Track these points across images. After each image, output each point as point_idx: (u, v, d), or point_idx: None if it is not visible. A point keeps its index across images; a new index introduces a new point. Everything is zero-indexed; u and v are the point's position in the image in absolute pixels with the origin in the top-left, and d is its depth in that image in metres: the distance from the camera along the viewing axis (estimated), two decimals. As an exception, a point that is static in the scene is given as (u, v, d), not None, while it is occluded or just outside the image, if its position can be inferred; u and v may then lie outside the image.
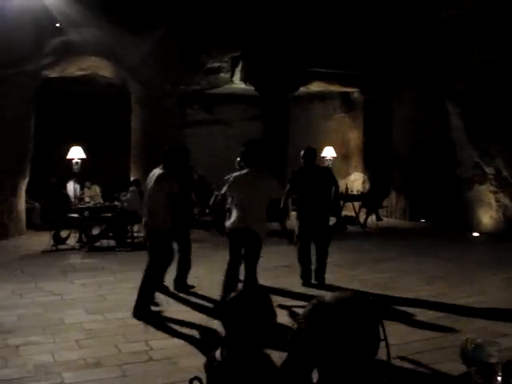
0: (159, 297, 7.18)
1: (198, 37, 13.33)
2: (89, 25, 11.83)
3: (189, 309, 6.99)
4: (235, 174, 6.94)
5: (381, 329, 1.79)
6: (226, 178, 6.90)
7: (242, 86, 15.06)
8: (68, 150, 13.06)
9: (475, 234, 12.89)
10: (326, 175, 8.14)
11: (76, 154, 12.91)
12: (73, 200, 13.20)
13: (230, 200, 6.98)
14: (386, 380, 1.87)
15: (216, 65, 14.44)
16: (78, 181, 14.09)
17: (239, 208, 6.65)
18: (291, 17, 13.54)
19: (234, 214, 6.69)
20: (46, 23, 11.53)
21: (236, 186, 6.72)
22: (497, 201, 12.94)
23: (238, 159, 7.75)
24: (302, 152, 7.98)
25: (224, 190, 6.83)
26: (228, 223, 6.79)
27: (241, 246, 6.74)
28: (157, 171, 6.93)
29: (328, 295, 1.78)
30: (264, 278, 7.35)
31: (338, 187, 8.17)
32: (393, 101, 16.07)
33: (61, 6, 11.32)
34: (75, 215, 11.94)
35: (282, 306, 6.47)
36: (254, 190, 6.62)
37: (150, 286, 6.77)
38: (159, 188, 6.71)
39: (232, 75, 14.80)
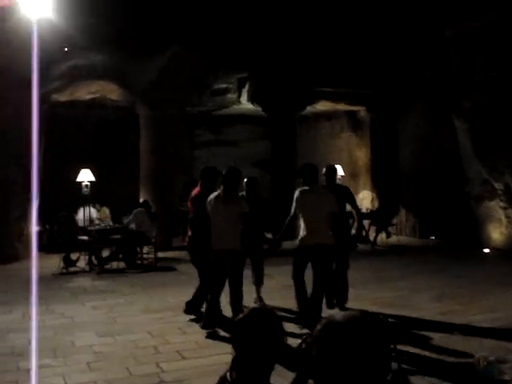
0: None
1: (206, 59, 13.45)
2: (96, 49, 11.95)
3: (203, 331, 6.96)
4: (299, 191, 7.11)
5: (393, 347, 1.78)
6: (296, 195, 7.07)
7: (249, 106, 15.15)
8: (78, 173, 13.12)
9: (486, 251, 12.82)
10: (346, 194, 8.00)
11: (85, 176, 12.98)
12: (86, 223, 13.24)
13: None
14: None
15: (223, 86, 14.56)
16: (93, 204, 14.15)
17: (308, 223, 6.85)
18: (297, 37, 13.64)
19: (304, 230, 6.87)
20: (54, 47, 11.65)
21: (304, 203, 6.93)
22: (507, 216, 12.89)
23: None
24: (324, 170, 7.92)
25: (293, 208, 7.04)
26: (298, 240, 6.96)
27: (308, 261, 6.85)
28: (219, 193, 6.87)
29: (338, 314, 1.78)
30: (272, 299, 7.34)
31: (358, 210, 8.29)
32: (399, 118, 16.11)
33: (69, 30, 11.45)
34: (85, 237, 11.96)
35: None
36: (318, 205, 6.82)
37: (238, 300, 6.73)
38: (230, 208, 6.73)
39: (239, 96, 14.91)
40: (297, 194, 7.09)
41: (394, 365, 1.80)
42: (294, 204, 7.07)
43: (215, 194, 6.90)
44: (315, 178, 7.04)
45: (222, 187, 6.83)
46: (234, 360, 2.38)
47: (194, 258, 7.38)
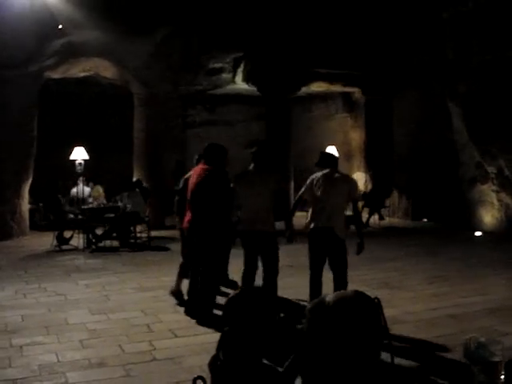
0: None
1: (200, 38, 13.37)
2: (91, 26, 11.86)
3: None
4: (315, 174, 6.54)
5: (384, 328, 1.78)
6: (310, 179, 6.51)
7: (244, 86, 15.08)
8: (71, 151, 13.08)
9: (477, 234, 12.88)
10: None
11: (79, 154, 12.93)
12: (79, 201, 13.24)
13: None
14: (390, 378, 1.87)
15: (218, 65, 14.47)
16: (86, 183, 14.12)
17: (319, 208, 6.31)
18: (293, 17, 13.56)
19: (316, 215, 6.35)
20: (48, 25, 11.56)
21: (318, 186, 6.37)
22: (499, 200, 12.94)
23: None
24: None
25: (302, 190, 6.56)
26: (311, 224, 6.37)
27: (323, 249, 6.33)
28: (251, 170, 6.49)
29: (330, 294, 1.78)
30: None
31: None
32: (394, 101, 16.09)
33: (63, 7, 11.35)
34: (72, 215, 11.95)
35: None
36: (334, 189, 6.27)
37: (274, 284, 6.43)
38: (265, 187, 6.38)
39: (234, 76, 14.83)
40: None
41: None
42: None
43: (245, 171, 6.57)
44: (333, 162, 6.52)
45: (252, 164, 6.46)
46: (222, 338, 2.38)
47: (200, 242, 6.55)
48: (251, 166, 6.48)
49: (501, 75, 12.17)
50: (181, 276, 7.34)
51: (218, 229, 6.45)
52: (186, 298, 7.05)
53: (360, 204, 13.39)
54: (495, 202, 13.02)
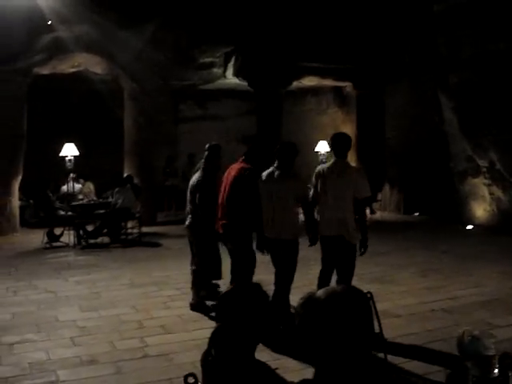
0: None
1: (190, 32, 13.29)
2: (80, 21, 11.77)
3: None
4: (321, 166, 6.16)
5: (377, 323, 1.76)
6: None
7: (235, 81, 15.02)
8: (61, 148, 12.98)
9: (469, 227, 12.90)
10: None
11: (69, 151, 12.83)
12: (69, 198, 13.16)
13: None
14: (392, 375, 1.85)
15: (208, 60, 14.39)
16: (77, 179, 14.02)
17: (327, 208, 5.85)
18: (283, 12, 13.50)
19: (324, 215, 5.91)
20: (37, 20, 11.46)
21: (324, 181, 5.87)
22: (490, 193, 12.95)
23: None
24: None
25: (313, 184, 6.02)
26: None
27: (333, 254, 5.89)
28: (272, 170, 6.04)
29: (321, 290, 1.75)
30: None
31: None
32: (386, 94, 16.06)
33: (52, 2, 11.25)
34: (63, 212, 11.88)
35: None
36: (339, 184, 5.78)
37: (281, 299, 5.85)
38: (287, 188, 5.90)
39: (225, 70, 14.76)
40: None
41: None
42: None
43: (268, 171, 6.07)
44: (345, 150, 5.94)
45: (276, 163, 6.00)
46: (213, 335, 2.35)
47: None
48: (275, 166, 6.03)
49: (492, 68, 12.16)
50: (196, 286, 6.83)
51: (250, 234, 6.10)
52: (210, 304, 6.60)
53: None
54: (487, 195, 13.03)
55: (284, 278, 5.92)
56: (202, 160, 7.00)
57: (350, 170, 5.94)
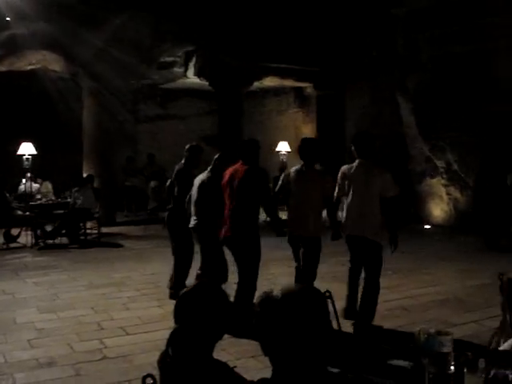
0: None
1: (151, 31, 13.20)
2: (38, 18, 11.57)
3: (150, 305, 6.90)
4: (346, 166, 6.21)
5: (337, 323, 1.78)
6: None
7: (196, 80, 14.96)
8: (18, 146, 12.75)
9: (427, 227, 13.11)
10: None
11: (27, 149, 12.61)
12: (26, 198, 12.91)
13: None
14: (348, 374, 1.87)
15: (169, 59, 14.32)
16: (34, 178, 13.75)
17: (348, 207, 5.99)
18: (245, 12, 13.52)
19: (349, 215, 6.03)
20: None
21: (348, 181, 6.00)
22: (448, 194, 13.19)
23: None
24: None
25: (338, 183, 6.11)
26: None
27: (360, 253, 6.07)
28: (298, 168, 6.19)
29: (276, 288, 1.77)
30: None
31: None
32: (346, 96, 16.18)
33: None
34: (21, 212, 11.66)
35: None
36: (364, 185, 5.90)
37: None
38: (313, 187, 6.05)
39: (186, 70, 14.70)
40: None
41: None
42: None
43: (296, 168, 6.21)
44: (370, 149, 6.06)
45: (303, 162, 6.11)
46: (171, 335, 2.35)
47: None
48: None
49: (449, 70, 12.39)
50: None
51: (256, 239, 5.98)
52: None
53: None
54: (444, 195, 13.27)
55: (306, 274, 6.11)
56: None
57: (376, 170, 6.00)
